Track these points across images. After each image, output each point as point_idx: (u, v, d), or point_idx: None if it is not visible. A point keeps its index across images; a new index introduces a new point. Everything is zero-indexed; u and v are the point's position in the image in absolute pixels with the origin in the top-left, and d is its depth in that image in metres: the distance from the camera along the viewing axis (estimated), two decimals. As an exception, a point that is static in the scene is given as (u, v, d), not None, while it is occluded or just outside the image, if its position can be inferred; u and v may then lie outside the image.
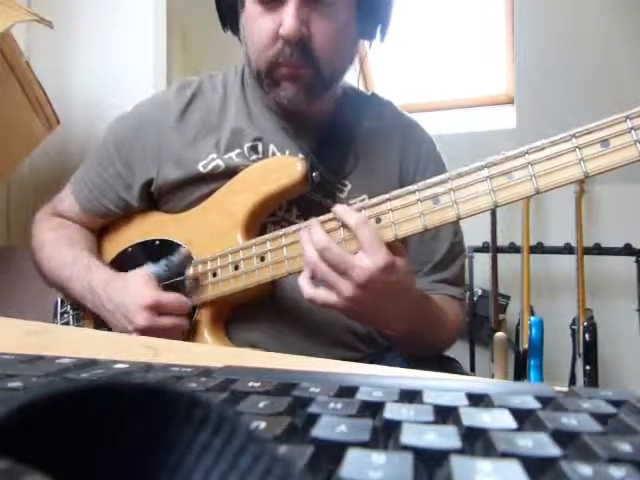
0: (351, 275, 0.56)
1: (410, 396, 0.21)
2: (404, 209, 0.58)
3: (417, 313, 0.65)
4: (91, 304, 0.74)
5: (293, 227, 0.65)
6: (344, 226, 0.60)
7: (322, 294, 0.59)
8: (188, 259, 0.72)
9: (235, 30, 0.74)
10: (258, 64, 0.70)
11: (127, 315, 0.68)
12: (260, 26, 0.68)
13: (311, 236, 0.59)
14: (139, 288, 0.69)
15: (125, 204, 0.82)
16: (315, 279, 0.60)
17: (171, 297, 0.69)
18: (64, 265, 0.78)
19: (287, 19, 0.64)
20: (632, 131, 0.50)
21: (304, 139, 0.76)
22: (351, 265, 0.56)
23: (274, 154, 0.75)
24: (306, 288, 0.60)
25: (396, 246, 0.59)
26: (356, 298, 0.57)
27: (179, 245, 0.76)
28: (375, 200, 0.60)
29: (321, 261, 0.58)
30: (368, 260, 0.56)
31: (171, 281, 0.72)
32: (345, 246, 0.60)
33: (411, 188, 0.59)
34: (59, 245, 0.81)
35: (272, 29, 0.66)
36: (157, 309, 0.67)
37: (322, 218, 0.62)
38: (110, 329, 0.75)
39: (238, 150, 0.75)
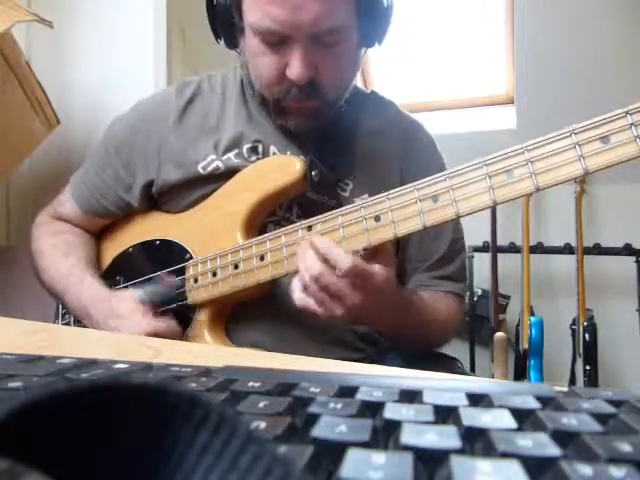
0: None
1: (410, 396, 0.21)
2: (403, 208, 0.58)
3: (397, 311, 0.66)
4: (82, 319, 0.74)
5: (293, 226, 0.65)
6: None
7: (333, 305, 0.59)
8: (180, 292, 0.72)
9: (230, 45, 0.73)
10: (263, 94, 0.71)
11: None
12: (266, 64, 0.67)
13: (337, 258, 0.58)
14: (135, 318, 0.68)
15: (125, 204, 0.82)
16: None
17: (164, 327, 0.68)
18: (59, 277, 0.78)
19: (295, 65, 0.64)
20: (632, 127, 0.50)
21: (305, 139, 0.76)
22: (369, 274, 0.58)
23: (274, 155, 0.75)
24: (315, 307, 0.60)
25: (382, 248, 0.61)
26: (362, 306, 0.59)
27: (179, 245, 0.76)
28: (374, 199, 0.60)
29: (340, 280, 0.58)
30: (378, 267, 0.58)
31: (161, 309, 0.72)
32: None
33: (410, 187, 0.58)
34: (56, 254, 0.80)
35: (278, 69, 0.66)
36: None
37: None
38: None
39: (237, 151, 0.75)
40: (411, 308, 0.69)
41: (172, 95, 0.80)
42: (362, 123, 0.80)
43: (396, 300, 0.65)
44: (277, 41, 0.64)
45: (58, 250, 0.81)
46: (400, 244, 0.78)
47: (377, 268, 0.58)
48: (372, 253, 0.60)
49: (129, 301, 0.70)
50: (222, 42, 0.73)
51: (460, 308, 0.80)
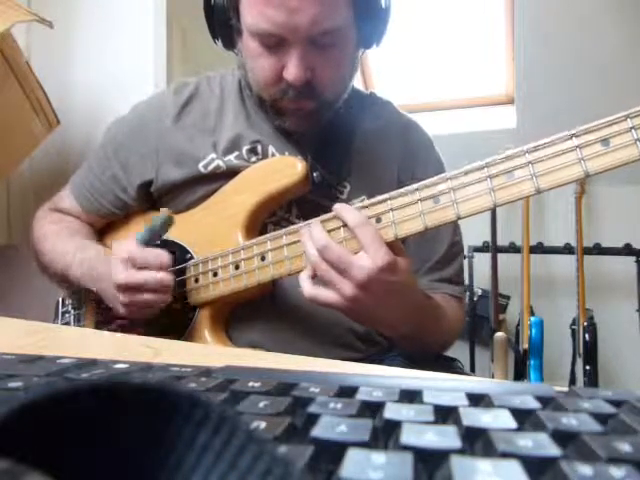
0: (351, 275, 0.56)
1: (410, 396, 0.21)
2: (404, 209, 0.58)
3: (419, 314, 0.64)
4: (90, 280, 0.74)
5: (294, 227, 0.65)
6: (344, 225, 0.60)
7: (323, 293, 0.58)
8: (169, 219, 0.71)
9: (227, 46, 0.73)
10: (261, 94, 0.71)
11: (111, 275, 0.67)
12: (263, 65, 0.67)
13: (311, 234, 0.59)
14: (119, 250, 0.68)
15: (124, 205, 0.82)
16: (316, 278, 0.59)
17: (146, 250, 0.67)
18: (65, 253, 0.78)
19: (292, 67, 0.64)
20: (632, 130, 0.50)
21: (303, 140, 0.76)
22: (351, 265, 0.56)
23: (273, 155, 0.75)
24: (307, 286, 0.59)
25: (397, 246, 0.59)
26: (356, 298, 0.57)
27: (180, 245, 0.76)
28: (375, 200, 0.60)
29: (322, 260, 0.57)
30: (368, 260, 0.56)
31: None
32: (345, 246, 0.60)
33: (411, 187, 0.58)
34: (61, 236, 0.81)
35: (275, 70, 0.66)
36: (132, 262, 0.66)
37: (323, 217, 0.62)
38: (110, 328, 0.75)
39: (237, 152, 0.75)
40: (432, 311, 0.68)
41: (169, 96, 0.80)
42: (360, 124, 0.79)
43: (416, 300, 0.63)
44: (274, 43, 0.64)
45: (63, 233, 0.82)
46: None
47: (363, 258, 0.56)
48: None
49: (126, 241, 0.70)
50: (220, 43, 0.73)
51: (462, 311, 0.80)
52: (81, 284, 0.76)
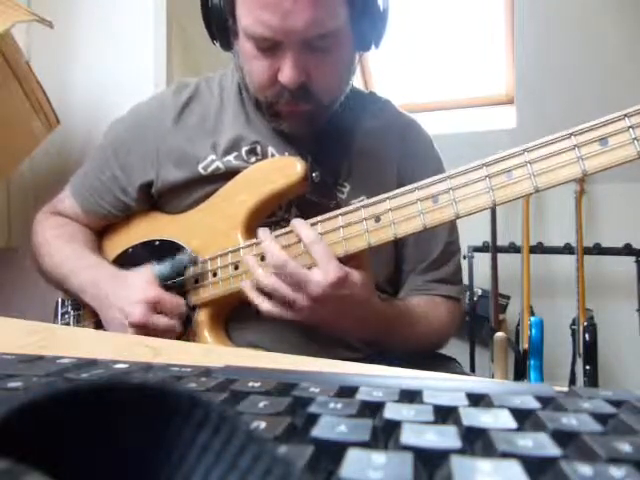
0: (307, 290, 0.59)
1: (410, 396, 0.21)
2: (403, 208, 0.59)
3: (379, 321, 0.67)
4: (90, 297, 0.74)
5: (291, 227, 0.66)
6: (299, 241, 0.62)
7: (277, 308, 0.62)
8: (194, 262, 0.72)
9: (225, 47, 0.72)
10: (257, 96, 0.71)
11: (124, 308, 0.67)
12: (258, 68, 0.67)
13: (269, 252, 0.62)
14: (140, 284, 0.69)
15: (123, 206, 0.82)
16: (271, 295, 0.63)
17: (169, 296, 0.69)
18: (66, 260, 0.78)
19: (286, 70, 0.64)
20: (630, 129, 0.50)
21: (302, 141, 0.76)
22: (306, 280, 0.59)
23: (273, 156, 0.75)
24: (259, 302, 0.63)
25: (358, 257, 0.62)
26: (311, 311, 0.61)
27: (179, 245, 0.76)
28: (374, 200, 0.60)
29: (277, 278, 0.61)
30: (320, 275, 0.59)
31: (172, 281, 0.72)
32: (301, 259, 0.62)
33: (410, 187, 0.59)
34: (61, 241, 0.81)
35: (270, 73, 0.66)
36: (154, 306, 0.67)
37: (282, 231, 0.65)
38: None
39: (236, 153, 0.75)
40: (398, 319, 0.70)
41: (169, 97, 0.80)
42: (360, 124, 0.79)
43: (375, 310, 0.65)
44: (269, 46, 0.64)
45: (63, 239, 0.81)
46: (398, 245, 0.78)
47: (316, 274, 0.59)
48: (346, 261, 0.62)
49: (141, 270, 0.71)
50: (218, 44, 0.73)
51: (457, 312, 0.81)
52: (78, 295, 0.76)
